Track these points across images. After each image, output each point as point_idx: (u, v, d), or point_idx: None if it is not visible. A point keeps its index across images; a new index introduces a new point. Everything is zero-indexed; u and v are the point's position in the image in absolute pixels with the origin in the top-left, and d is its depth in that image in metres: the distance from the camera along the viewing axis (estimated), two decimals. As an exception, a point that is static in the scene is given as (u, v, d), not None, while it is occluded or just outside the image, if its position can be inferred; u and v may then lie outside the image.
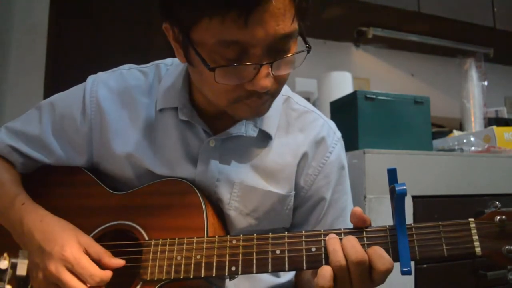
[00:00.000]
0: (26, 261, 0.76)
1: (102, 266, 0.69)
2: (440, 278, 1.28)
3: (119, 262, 0.70)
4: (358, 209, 0.64)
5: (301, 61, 0.66)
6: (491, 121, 1.96)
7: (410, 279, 1.23)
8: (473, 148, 1.54)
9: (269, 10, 0.58)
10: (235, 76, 0.63)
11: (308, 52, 0.65)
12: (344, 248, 0.60)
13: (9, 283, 0.76)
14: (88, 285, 0.66)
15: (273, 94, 0.70)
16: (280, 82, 0.68)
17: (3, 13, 1.66)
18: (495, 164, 1.42)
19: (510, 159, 1.44)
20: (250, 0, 0.56)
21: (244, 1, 0.56)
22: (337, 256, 0.59)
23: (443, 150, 1.60)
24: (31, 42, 1.69)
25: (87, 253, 0.69)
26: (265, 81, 0.63)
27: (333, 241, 0.61)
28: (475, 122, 1.96)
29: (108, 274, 0.67)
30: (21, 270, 0.76)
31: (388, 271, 0.58)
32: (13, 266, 0.76)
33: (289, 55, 0.64)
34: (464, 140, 1.60)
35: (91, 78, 0.84)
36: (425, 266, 1.25)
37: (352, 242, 0.60)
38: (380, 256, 0.59)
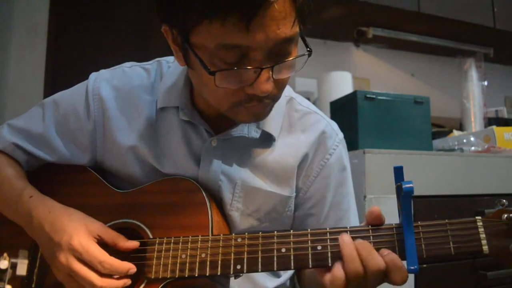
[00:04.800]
0: (26, 261, 0.76)
1: (117, 249, 0.69)
2: (440, 278, 1.28)
3: (134, 244, 0.70)
4: (376, 208, 0.63)
5: (302, 64, 0.65)
6: (491, 121, 1.96)
7: (410, 279, 1.23)
8: (473, 148, 1.55)
9: (271, 13, 0.57)
10: (235, 80, 0.62)
11: (309, 55, 0.65)
12: (360, 255, 0.59)
13: (9, 283, 0.76)
14: (100, 273, 0.66)
15: (273, 98, 0.69)
16: (280, 86, 0.67)
17: (3, 13, 1.66)
18: (495, 164, 1.42)
19: (510, 159, 1.44)
20: (253, 4, 0.55)
21: (246, 5, 0.55)
22: (354, 263, 0.59)
23: (443, 150, 1.59)
24: (31, 42, 1.69)
25: (100, 239, 0.69)
26: (265, 85, 0.62)
27: (348, 247, 0.60)
28: (475, 122, 1.96)
29: (118, 262, 0.67)
30: (21, 270, 0.76)
31: (403, 282, 0.58)
32: (13, 266, 0.76)
33: (290, 59, 0.63)
34: (464, 140, 1.60)
35: (93, 76, 0.84)
36: (425, 266, 1.25)
37: (367, 248, 0.59)
38: (398, 268, 0.58)
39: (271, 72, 0.62)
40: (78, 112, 0.81)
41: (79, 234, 0.67)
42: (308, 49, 0.65)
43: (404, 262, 0.59)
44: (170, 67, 0.83)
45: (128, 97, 0.81)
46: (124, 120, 0.80)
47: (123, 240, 0.70)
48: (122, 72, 0.84)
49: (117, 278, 0.67)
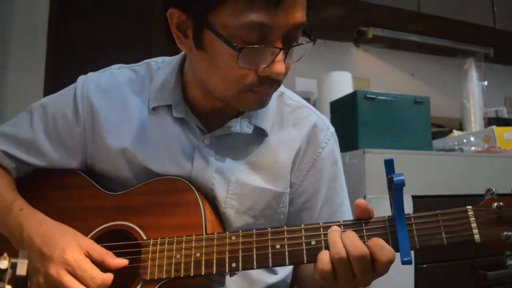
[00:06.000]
0: (26, 261, 0.76)
1: (105, 267, 0.68)
2: (440, 278, 1.28)
3: (123, 261, 0.69)
4: (362, 201, 0.64)
5: (304, 52, 0.69)
6: (491, 121, 1.96)
7: (410, 279, 1.23)
8: (473, 148, 1.55)
9: None
10: (253, 60, 0.64)
11: (313, 43, 0.68)
12: (344, 244, 0.60)
13: (9, 283, 0.76)
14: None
15: (278, 84, 0.71)
16: (285, 73, 0.69)
17: (3, 13, 1.66)
18: (495, 164, 1.42)
19: (510, 159, 1.44)
20: None
21: None
22: (337, 248, 0.60)
23: (443, 150, 1.60)
24: (31, 42, 1.69)
25: (89, 255, 0.68)
26: (281, 67, 0.65)
27: (333, 234, 0.62)
28: (475, 122, 1.96)
29: (109, 276, 0.67)
30: (21, 270, 0.76)
31: (391, 261, 0.59)
32: (13, 266, 0.76)
33: (301, 43, 0.67)
34: (464, 140, 1.60)
35: (81, 79, 0.83)
36: (425, 266, 1.25)
37: (351, 237, 0.60)
38: (381, 247, 0.59)
39: (284, 56, 0.65)
40: (67, 115, 0.80)
41: (72, 248, 0.67)
42: (312, 37, 0.68)
43: (398, 255, 0.60)
44: (160, 67, 0.83)
45: (117, 98, 0.81)
46: (113, 122, 0.80)
47: (111, 257, 0.69)
48: (110, 74, 0.84)
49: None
